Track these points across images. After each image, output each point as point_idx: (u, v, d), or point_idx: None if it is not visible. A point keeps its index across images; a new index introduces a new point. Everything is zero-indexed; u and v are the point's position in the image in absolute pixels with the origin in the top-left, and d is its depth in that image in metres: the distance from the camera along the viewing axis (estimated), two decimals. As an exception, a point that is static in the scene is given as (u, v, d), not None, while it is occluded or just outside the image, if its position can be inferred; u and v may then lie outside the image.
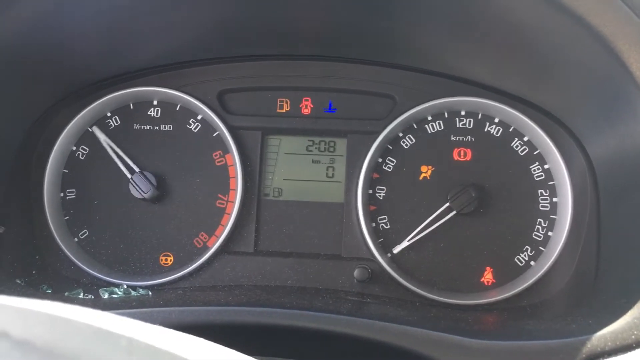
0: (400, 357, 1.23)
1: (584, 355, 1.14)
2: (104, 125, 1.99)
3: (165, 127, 1.99)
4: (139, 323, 0.60)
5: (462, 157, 1.89)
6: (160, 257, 1.93)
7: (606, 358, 1.13)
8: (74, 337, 0.54)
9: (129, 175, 1.92)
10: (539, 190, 1.85)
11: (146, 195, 1.88)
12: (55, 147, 1.93)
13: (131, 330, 0.58)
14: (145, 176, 1.91)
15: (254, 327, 1.30)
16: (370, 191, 1.91)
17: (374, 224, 1.89)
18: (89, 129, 1.99)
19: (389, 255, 1.87)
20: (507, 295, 1.77)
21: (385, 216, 1.89)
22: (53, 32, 1.63)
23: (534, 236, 1.84)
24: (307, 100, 1.98)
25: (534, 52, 1.57)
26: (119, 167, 1.94)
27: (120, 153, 1.95)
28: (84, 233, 1.95)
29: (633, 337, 1.14)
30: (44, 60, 1.73)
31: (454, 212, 1.83)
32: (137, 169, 1.93)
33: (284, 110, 1.99)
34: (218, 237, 1.90)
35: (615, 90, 1.39)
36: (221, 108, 1.97)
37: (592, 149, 1.72)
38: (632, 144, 1.41)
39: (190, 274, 1.88)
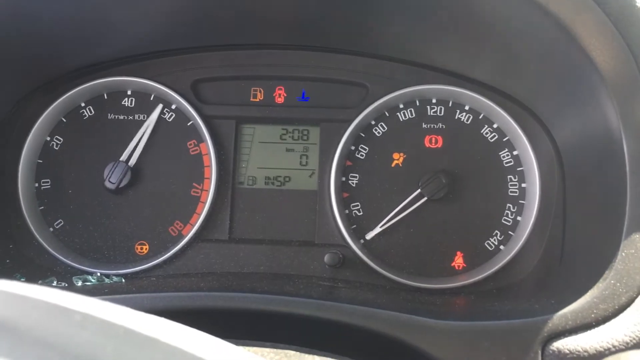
0: (370, 339, 1.26)
1: (545, 334, 1.17)
2: (79, 115, 2.00)
3: (139, 116, 1.99)
4: (94, 300, 0.62)
5: (433, 144, 1.92)
6: (136, 246, 1.94)
7: (567, 336, 1.17)
8: (27, 312, 0.56)
9: (122, 159, 1.92)
10: (508, 176, 1.88)
11: (108, 184, 1.89)
12: (29, 138, 1.92)
13: (86, 306, 0.60)
14: (126, 172, 1.91)
15: (224, 312, 1.32)
16: (343, 178, 1.93)
17: (347, 211, 1.91)
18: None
19: (362, 241, 1.89)
20: (476, 278, 1.80)
21: (358, 203, 1.92)
22: (25, 21, 1.62)
23: (503, 221, 1.87)
24: (280, 89, 2.00)
25: (500, 40, 1.60)
26: (93, 157, 1.95)
27: (143, 140, 1.96)
28: (59, 223, 1.95)
29: (592, 315, 1.18)
30: (16, 50, 1.73)
31: (425, 199, 1.86)
32: (132, 163, 1.94)
33: (257, 100, 2.00)
34: (193, 225, 1.91)
35: (578, 76, 1.42)
36: (195, 97, 1.98)
37: (558, 135, 1.75)
38: (595, 130, 1.45)
39: (165, 262, 1.89)
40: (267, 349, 1.09)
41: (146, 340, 0.59)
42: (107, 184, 1.90)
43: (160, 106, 1.99)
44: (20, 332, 0.54)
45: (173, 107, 1.99)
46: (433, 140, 1.92)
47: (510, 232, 1.86)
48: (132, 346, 0.57)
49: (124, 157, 1.94)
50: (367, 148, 1.94)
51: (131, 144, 1.96)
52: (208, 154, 1.95)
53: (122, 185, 1.91)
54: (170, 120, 1.99)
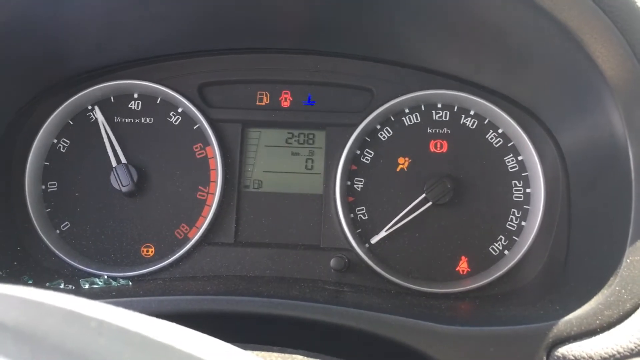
0: (375, 343, 1.27)
1: (550, 340, 1.18)
2: (85, 118, 2.01)
3: (146, 120, 2.00)
4: (109, 306, 0.63)
5: (438, 149, 1.93)
6: (142, 249, 1.95)
7: (572, 342, 1.17)
8: (44, 319, 0.57)
9: (114, 164, 1.93)
10: (513, 181, 1.89)
11: (123, 189, 1.90)
12: (36, 140, 1.94)
13: (101, 313, 0.61)
14: (129, 170, 1.92)
15: (231, 315, 1.33)
16: (349, 183, 1.93)
17: (352, 215, 1.92)
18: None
19: (367, 245, 1.90)
20: (481, 283, 1.81)
21: (363, 207, 1.92)
22: (32, 25, 1.63)
23: (507, 226, 1.88)
24: (286, 93, 2.01)
25: (505, 46, 1.60)
26: (100, 159, 1.96)
27: (113, 140, 1.96)
28: (66, 225, 1.96)
29: (597, 322, 1.18)
30: (23, 53, 1.73)
31: (430, 203, 1.86)
32: (124, 160, 1.94)
33: (263, 103, 2.01)
34: (199, 229, 1.92)
35: (583, 82, 1.43)
36: (201, 101, 1.99)
37: (563, 141, 1.76)
38: (600, 135, 1.45)
39: (171, 264, 1.90)
40: (275, 354, 1.10)
41: (160, 346, 0.60)
42: (124, 190, 1.91)
43: (96, 107, 1.99)
44: (38, 339, 0.54)
45: (179, 110, 2.00)
46: (438, 145, 1.93)
47: (514, 237, 1.87)
48: (147, 352, 0.58)
49: (114, 163, 1.94)
50: (372, 152, 1.94)
51: (108, 148, 1.96)
52: (214, 157, 1.95)
53: (136, 181, 1.92)
54: (177, 123, 2.00)
